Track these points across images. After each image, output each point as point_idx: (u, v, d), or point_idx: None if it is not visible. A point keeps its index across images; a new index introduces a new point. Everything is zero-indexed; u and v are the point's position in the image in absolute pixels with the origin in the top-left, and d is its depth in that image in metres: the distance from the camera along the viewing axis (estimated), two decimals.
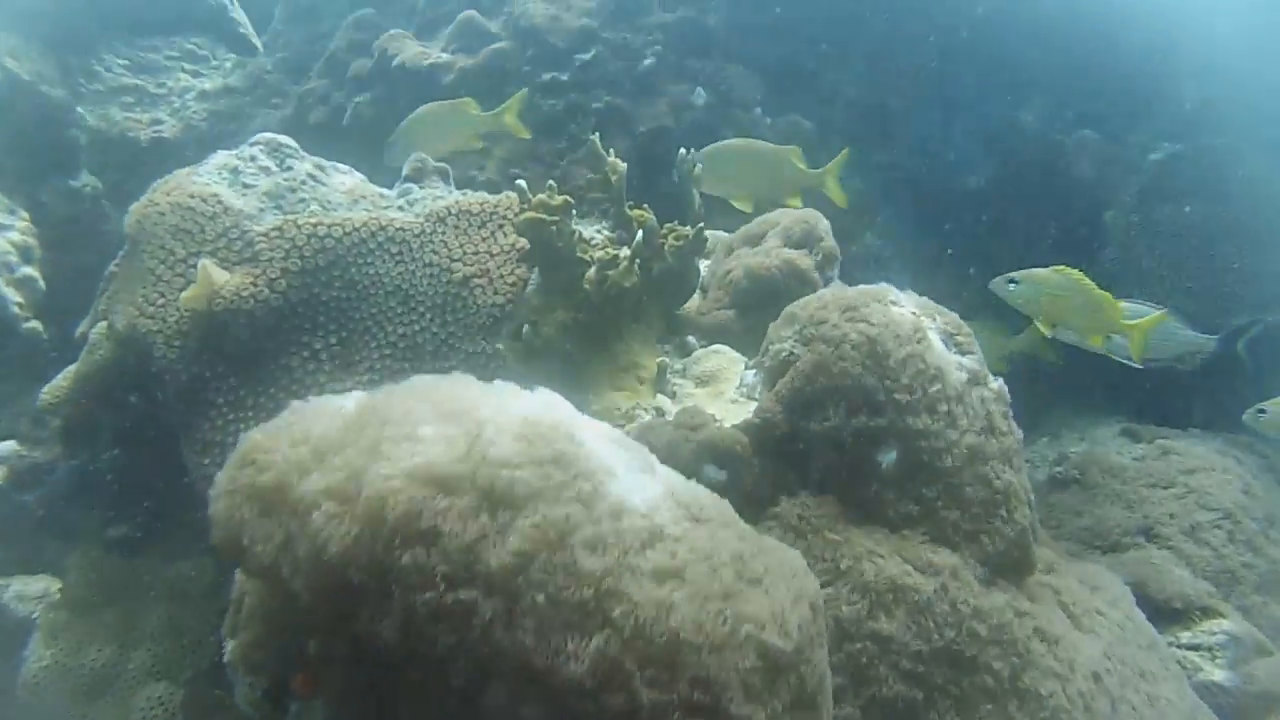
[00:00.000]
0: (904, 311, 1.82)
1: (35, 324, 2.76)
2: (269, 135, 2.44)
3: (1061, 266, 2.34)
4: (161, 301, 1.98)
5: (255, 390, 1.93)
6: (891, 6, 3.94)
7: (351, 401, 1.04)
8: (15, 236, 2.69)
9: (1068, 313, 2.35)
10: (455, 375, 1.09)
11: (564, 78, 3.34)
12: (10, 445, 2.37)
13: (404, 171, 2.39)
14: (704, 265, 2.52)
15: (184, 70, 4.70)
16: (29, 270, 2.73)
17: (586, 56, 3.35)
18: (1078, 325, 2.40)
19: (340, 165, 2.60)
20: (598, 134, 2.22)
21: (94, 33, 4.01)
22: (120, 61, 4.48)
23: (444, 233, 2.09)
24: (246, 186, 2.24)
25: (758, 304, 2.28)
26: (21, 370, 2.82)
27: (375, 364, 1.97)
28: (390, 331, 1.99)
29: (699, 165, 2.46)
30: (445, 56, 3.54)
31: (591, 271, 1.94)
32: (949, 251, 3.90)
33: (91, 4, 3.55)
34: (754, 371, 2.16)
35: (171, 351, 1.93)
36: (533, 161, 3.28)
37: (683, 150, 2.43)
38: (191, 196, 2.09)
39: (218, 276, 1.93)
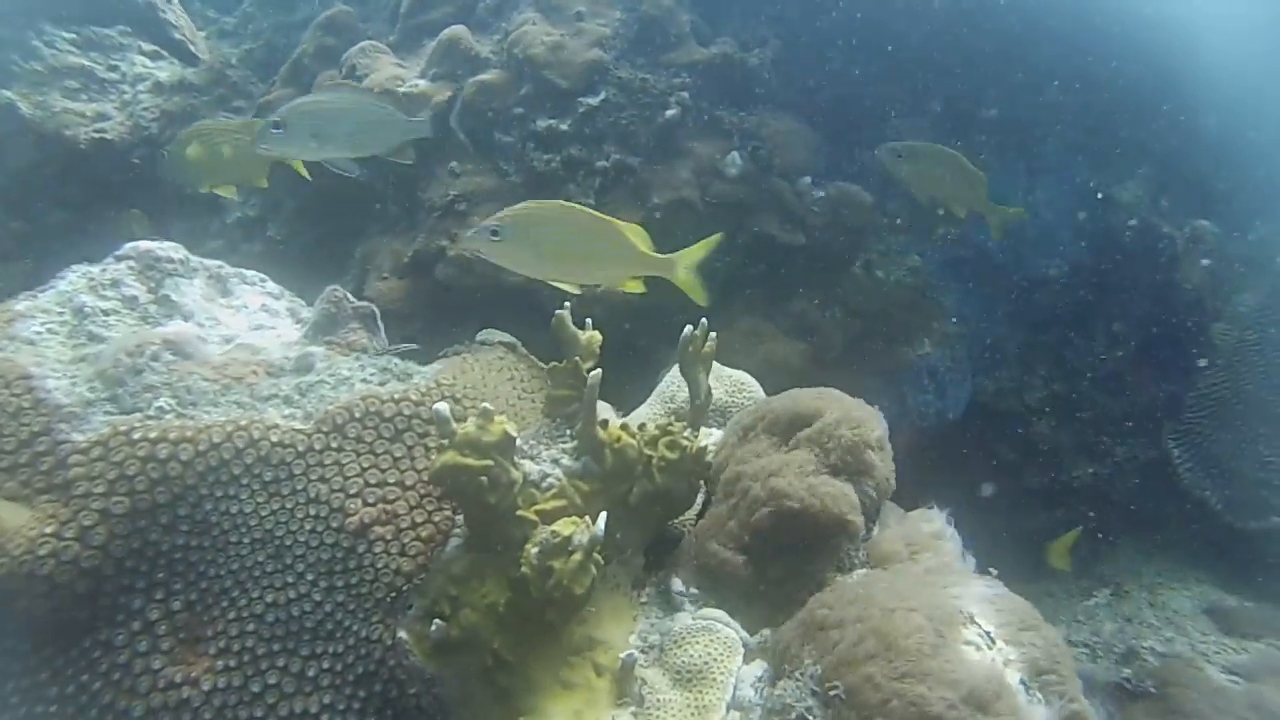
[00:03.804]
0: (981, 656, 1.30)
1: None
2: (145, 246, 1.85)
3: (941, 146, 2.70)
4: None
5: (61, 676, 1.38)
6: (979, 43, 3.22)
7: None
8: None
9: (941, 185, 2.72)
10: None
11: (564, 127, 2.67)
12: None
13: (312, 317, 1.79)
14: (714, 436, 1.91)
15: (141, 52, 4.07)
16: None
17: (594, 101, 2.68)
18: (949, 197, 2.75)
19: (247, 274, 2.02)
20: (568, 305, 1.60)
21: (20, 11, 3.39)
22: (66, 36, 3.85)
23: (340, 450, 1.50)
24: (92, 339, 1.65)
25: (777, 556, 1.68)
26: None
27: (232, 642, 1.41)
28: (255, 599, 1.43)
29: None
30: (423, 84, 2.89)
31: (533, 553, 1.34)
32: (1014, 347, 3.27)
33: None
34: (754, 679, 1.54)
35: None
36: None
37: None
38: None
39: (7, 520, 1.36)
